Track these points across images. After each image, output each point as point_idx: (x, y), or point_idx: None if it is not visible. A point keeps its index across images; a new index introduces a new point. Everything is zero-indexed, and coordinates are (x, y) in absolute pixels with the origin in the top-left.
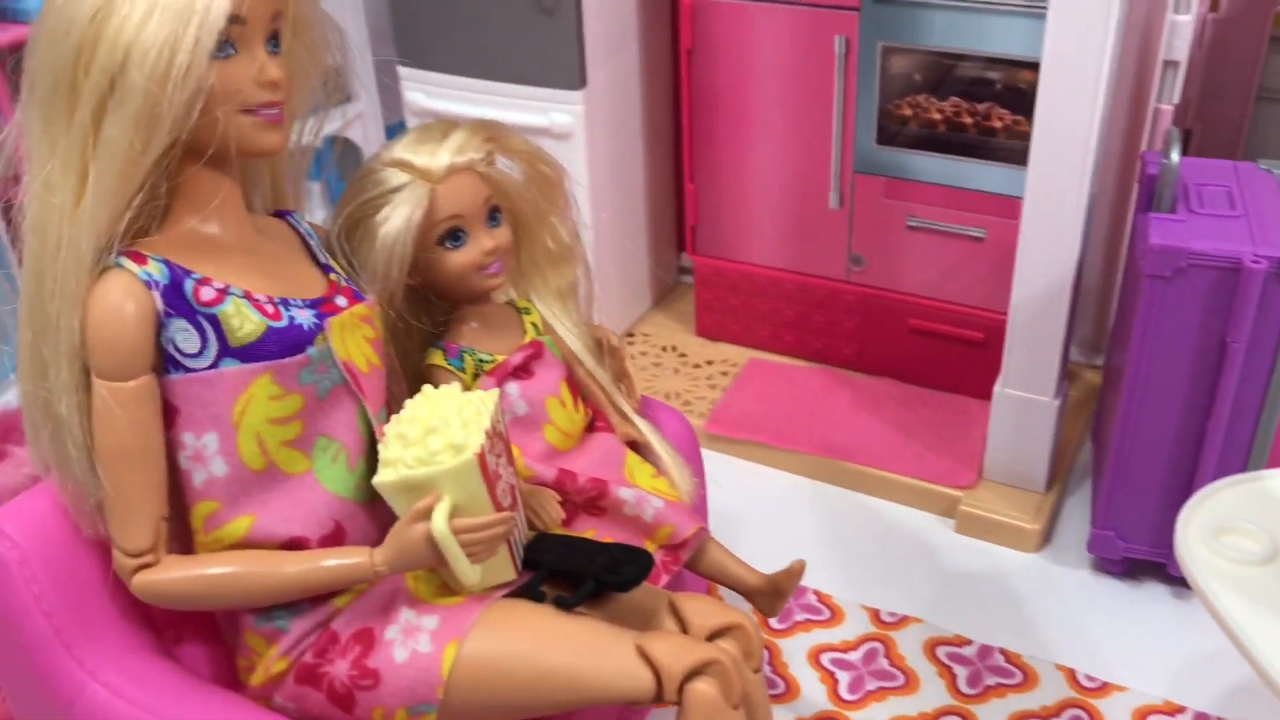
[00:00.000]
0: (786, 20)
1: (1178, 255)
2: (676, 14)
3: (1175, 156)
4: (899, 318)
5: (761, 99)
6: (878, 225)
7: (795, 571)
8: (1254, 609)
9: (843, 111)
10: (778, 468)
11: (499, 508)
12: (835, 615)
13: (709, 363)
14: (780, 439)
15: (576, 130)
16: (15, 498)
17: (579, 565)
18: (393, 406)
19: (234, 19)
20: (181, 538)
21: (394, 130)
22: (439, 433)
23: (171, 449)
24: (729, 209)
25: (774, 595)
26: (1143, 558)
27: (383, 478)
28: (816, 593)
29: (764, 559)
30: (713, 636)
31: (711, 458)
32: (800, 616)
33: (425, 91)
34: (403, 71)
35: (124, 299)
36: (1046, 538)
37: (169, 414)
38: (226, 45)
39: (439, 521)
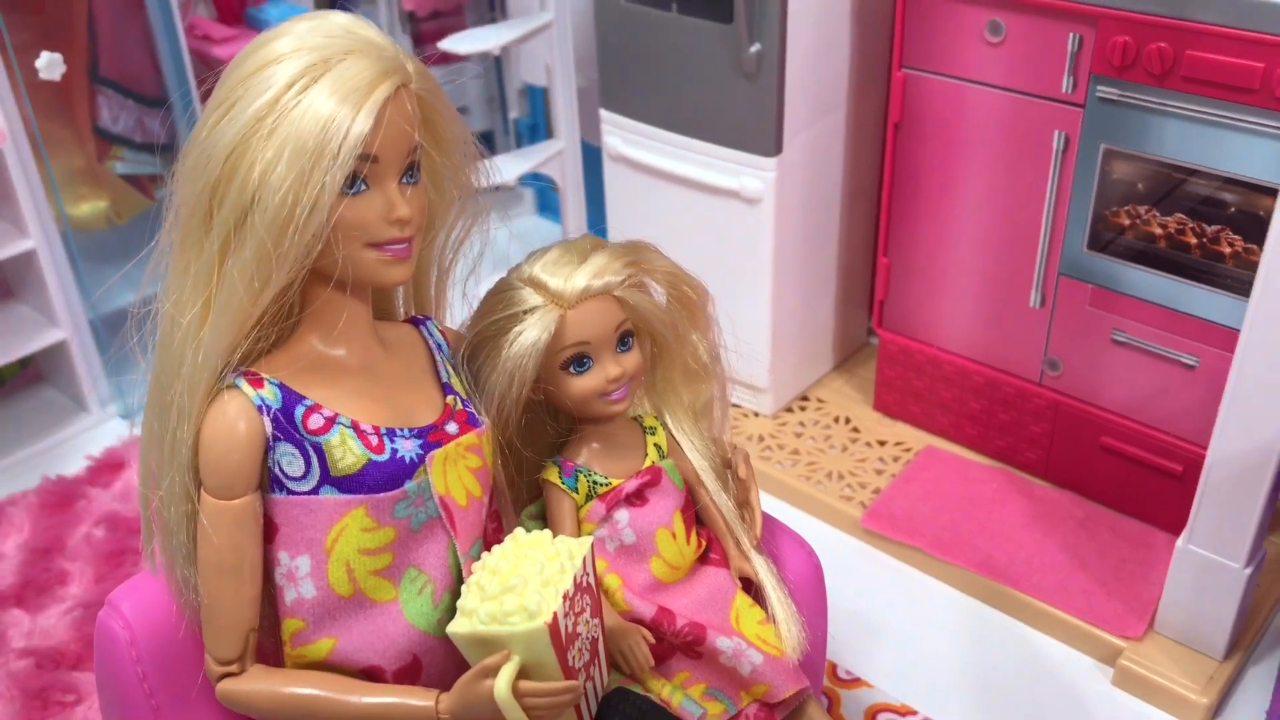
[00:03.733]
0: (1003, 106)
1: None
2: (889, 86)
3: None
4: (1091, 432)
5: (968, 182)
6: (1079, 333)
7: None
8: None
9: (1053, 210)
10: (932, 575)
11: (569, 673)
12: None
13: (881, 443)
14: (939, 548)
15: (766, 196)
16: (134, 577)
17: None
18: (500, 522)
19: (366, 157)
20: (276, 635)
21: (595, 154)
22: (515, 591)
23: (268, 564)
24: (922, 289)
25: None
26: None
27: (455, 628)
28: None
29: (897, 674)
30: None
31: (864, 553)
32: None
33: (622, 137)
34: (603, 114)
35: (236, 420)
36: (1216, 712)
37: (270, 530)
38: (358, 182)
39: (502, 686)
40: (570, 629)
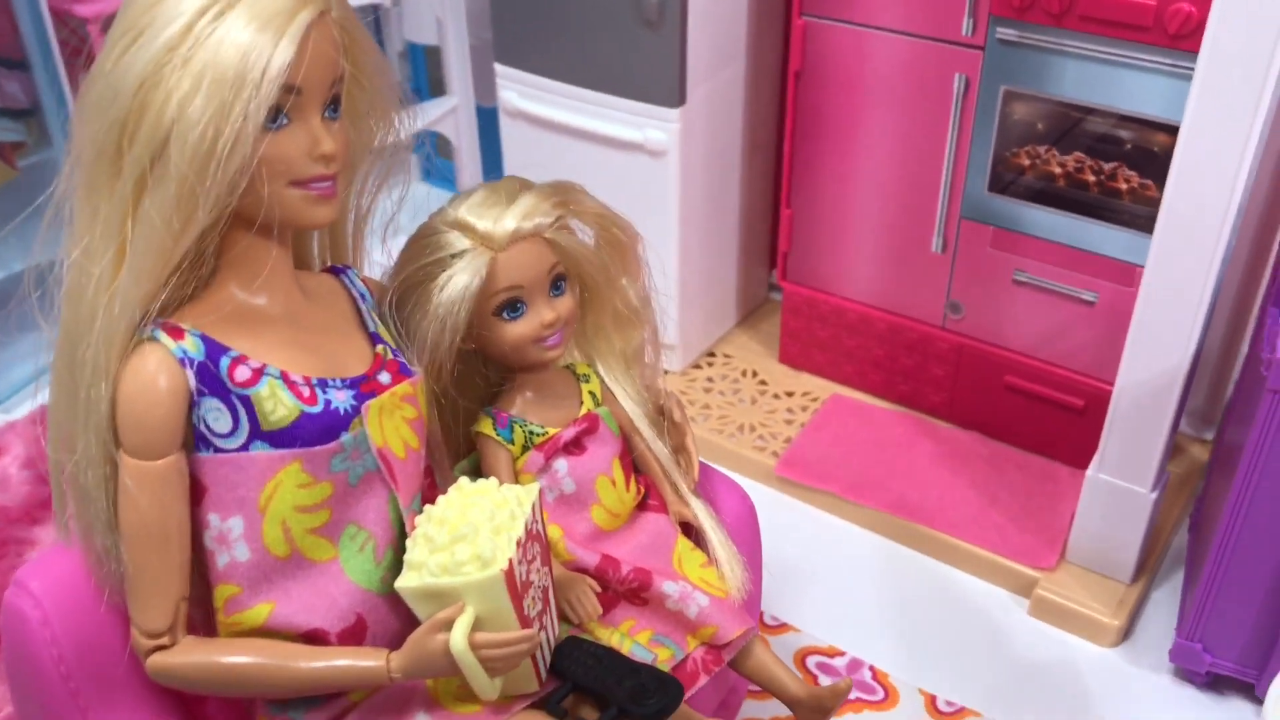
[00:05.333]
0: (904, 51)
1: None
2: (788, 33)
3: None
4: (994, 372)
5: (869, 129)
6: (981, 275)
7: (841, 691)
8: None
9: (955, 153)
10: (848, 519)
11: (525, 622)
12: (889, 696)
13: (789, 394)
14: (852, 491)
15: (671, 148)
16: (42, 554)
17: (605, 685)
18: (434, 475)
19: (289, 89)
20: (206, 605)
21: (488, 115)
22: (467, 540)
23: (197, 528)
24: (825, 239)
25: (816, 710)
26: (1230, 674)
27: (405, 582)
28: (872, 668)
29: (822, 617)
30: None
31: (780, 501)
32: (852, 694)
33: (519, 92)
34: (499, 69)
35: (156, 375)
36: (1127, 633)
37: (197, 492)
38: (280, 116)
39: (458, 638)
40: (524, 577)
